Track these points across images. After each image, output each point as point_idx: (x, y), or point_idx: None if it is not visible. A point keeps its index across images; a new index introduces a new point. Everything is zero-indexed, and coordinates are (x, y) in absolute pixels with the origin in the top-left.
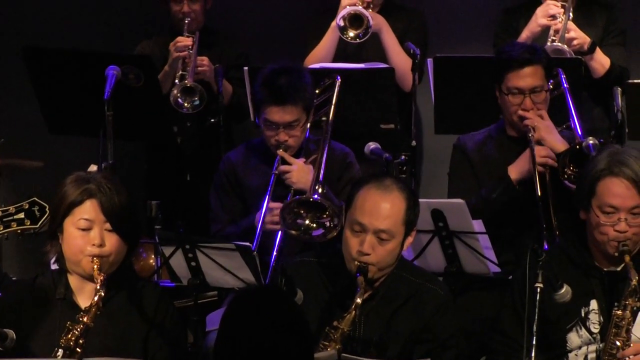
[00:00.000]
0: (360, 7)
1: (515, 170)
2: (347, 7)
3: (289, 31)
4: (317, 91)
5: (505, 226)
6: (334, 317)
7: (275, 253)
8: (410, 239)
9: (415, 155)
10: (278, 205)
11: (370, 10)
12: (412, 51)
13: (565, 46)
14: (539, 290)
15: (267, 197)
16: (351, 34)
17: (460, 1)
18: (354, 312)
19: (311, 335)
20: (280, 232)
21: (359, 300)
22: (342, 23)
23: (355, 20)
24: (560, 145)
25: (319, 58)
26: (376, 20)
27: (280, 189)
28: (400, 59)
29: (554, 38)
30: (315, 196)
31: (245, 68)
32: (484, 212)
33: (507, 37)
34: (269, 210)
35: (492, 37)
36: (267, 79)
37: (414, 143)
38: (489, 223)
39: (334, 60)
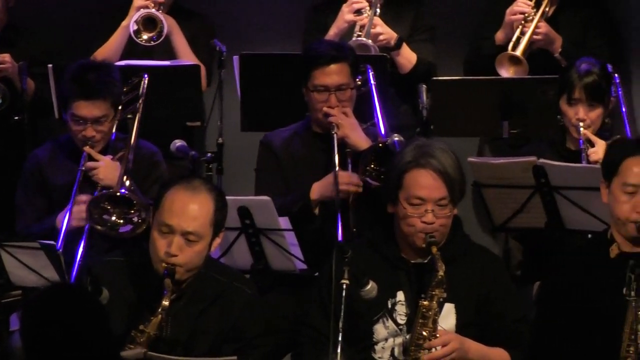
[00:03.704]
0: (153, 9)
1: (317, 191)
2: (141, 9)
3: (90, 28)
4: (124, 89)
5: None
6: (141, 317)
7: (81, 252)
8: (218, 240)
9: (222, 153)
10: (86, 197)
11: (160, 11)
12: (217, 48)
13: (370, 41)
14: (344, 286)
15: (74, 193)
16: (145, 36)
17: None
18: (160, 315)
19: (113, 334)
20: (86, 232)
21: (165, 303)
22: (135, 26)
23: (148, 22)
24: (364, 142)
25: (107, 56)
26: (167, 22)
27: (87, 185)
28: (190, 61)
29: (359, 33)
30: (123, 190)
31: (50, 65)
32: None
33: (317, 34)
34: (76, 203)
35: (302, 34)
36: (76, 74)
37: (220, 140)
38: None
39: (122, 59)
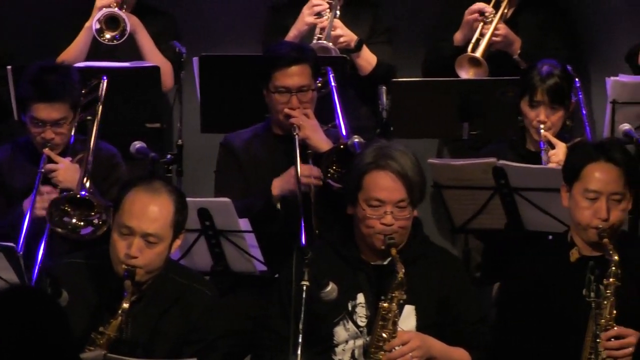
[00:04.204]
0: (116, 8)
1: (278, 186)
2: (103, 9)
3: (45, 31)
4: (83, 91)
5: (271, 225)
6: (101, 319)
7: (41, 254)
8: (178, 241)
9: (182, 154)
10: (49, 189)
11: (124, 10)
12: (177, 49)
13: (331, 44)
14: (305, 288)
15: (34, 195)
16: (108, 35)
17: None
18: (120, 317)
19: (72, 336)
20: (46, 234)
21: (125, 305)
22: (97, 25)
23: (111, 22)
24: (325, 144)
25: (72, 57)
26: (131, 20)
27: None
28: (156, 60)
29: (320, 36)
30: (83, 192)
31: (9, 67)
32: (248, 216)
33: (276, 35)
34: (39, 194)
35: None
36: (35, 76)
37: (180, 142)
38: (255, 222)
39: (87, 59)
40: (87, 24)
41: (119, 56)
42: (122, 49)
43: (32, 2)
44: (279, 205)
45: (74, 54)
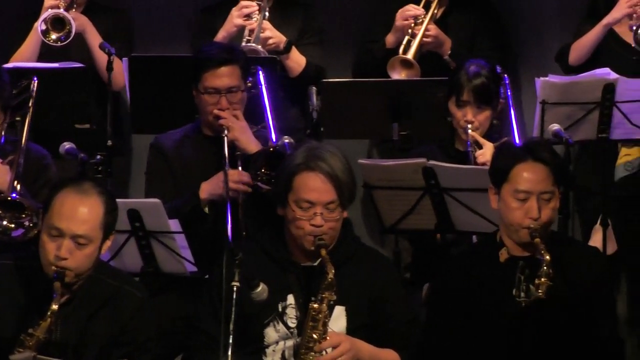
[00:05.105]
0: (62, 10)
1: (206, 190)
2: (49, 9)
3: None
4: (14, 92)
5: (201, 225)
6: (30, 321)
7: None
8: (108, 243)
9: (112, 155)
10: None
11: (73, 9)
12: (107, 50)
13: (260, 46)
14: (235, 289)
15: None
16: (53, 36)
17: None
18: (49, 319)
19: (1, 337)
20: None
21: (55, 307)
22: (43, 26)
23: (57, 22)
24: (254, 146)
25: (24, 59)
26: (80, 20)
27: None
28: (105, 58)
29: (249, 38)
30: (14, 195)
31: None
32: (176, 218)
33: (205, 37)
34: None
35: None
36: None
37: (109, 142)
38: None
39: (40, 59)
40: (35, 25)
41: (73, 56)
42: (76, 48)
43: None
44: (206, 209)
45: (26, 55)
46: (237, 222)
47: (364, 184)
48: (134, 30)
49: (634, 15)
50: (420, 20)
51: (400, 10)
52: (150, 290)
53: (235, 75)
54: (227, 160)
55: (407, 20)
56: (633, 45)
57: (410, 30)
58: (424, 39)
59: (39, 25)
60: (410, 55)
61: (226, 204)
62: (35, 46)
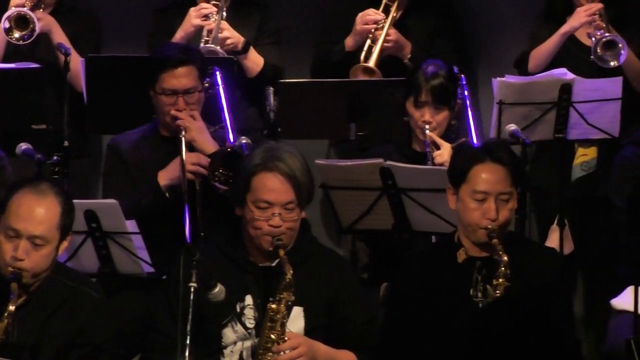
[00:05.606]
0: (26, 8)
1: (164, 177)
2: (13, 8)
3: None
4: None
5: (158, 226)
6: None
7: None
8: (65, 243)
9: (70, 156)
10: None
11: (41, 10)
12: (63, 51)
13: (218, 47)
14: (192, 289)
15: None
16: (16, 34)
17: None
18: (6, 320)
19: None
20: None
21: (11, 308)
22: (7, 24)
23: (21, 21)
24: (211, 146)
25: None
26: (45, 20)
27: None
28: (73, 59)
29: (207, 39)
30: None
31: None
32: (136, 215)
33: (162, 37)
34: None
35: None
36: None
37: (66, 143)
38: (142, 223)
39: (6, 59)
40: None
41: (40, 56)
42: (43, 49)
43: None
44: (167, 195)
45: None
46: (195, 222)
47: (321, 184)
48: (101, 31)
49: (593, 23)
50: (381, 24)
51: (360, 15)
52: (107, 291)
53: (193, 76)
54: (184, 161)
55: (367, 24)
56: (592, 57)
57: (371, 35)
58: (385, 44)
59: (2, 24)
60: (372, 63)
61: (183, 194)
62: (1, 44)
